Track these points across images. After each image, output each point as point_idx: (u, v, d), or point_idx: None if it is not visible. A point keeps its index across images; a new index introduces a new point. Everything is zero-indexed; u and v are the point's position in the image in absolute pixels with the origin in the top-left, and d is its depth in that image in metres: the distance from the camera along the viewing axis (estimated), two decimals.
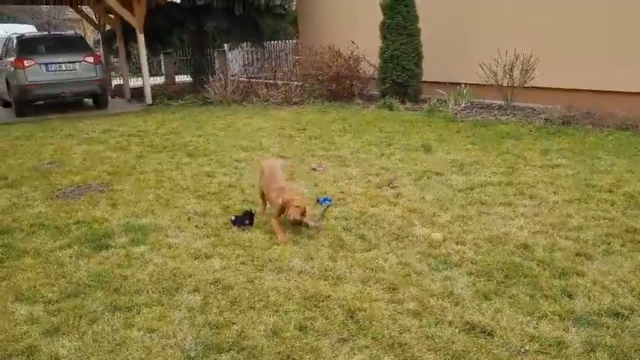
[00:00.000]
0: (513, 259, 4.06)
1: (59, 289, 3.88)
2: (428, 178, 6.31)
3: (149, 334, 3.26)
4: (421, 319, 3.32)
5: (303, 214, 4.70)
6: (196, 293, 3.76)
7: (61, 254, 4.53)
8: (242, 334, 3.22)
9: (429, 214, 5.11)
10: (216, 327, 3.31)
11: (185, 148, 8.51)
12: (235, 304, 3.58)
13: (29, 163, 7.92)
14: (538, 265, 3.96)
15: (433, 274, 3.90)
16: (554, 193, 5.54)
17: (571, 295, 3.53)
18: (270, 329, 3.25)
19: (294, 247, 4.47)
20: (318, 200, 5.62)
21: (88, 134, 10.24)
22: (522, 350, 2.97)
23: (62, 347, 3.16)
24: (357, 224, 4.94)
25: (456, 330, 3.19)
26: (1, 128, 11.60)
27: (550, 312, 3.33)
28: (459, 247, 4.35)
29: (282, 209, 4.74)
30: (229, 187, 6.30)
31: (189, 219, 5.26)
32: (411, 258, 4.18)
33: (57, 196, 6.23)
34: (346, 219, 5.08)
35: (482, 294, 3.57)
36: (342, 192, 5.93)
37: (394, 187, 6.03)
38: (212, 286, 3.83)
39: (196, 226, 5.06)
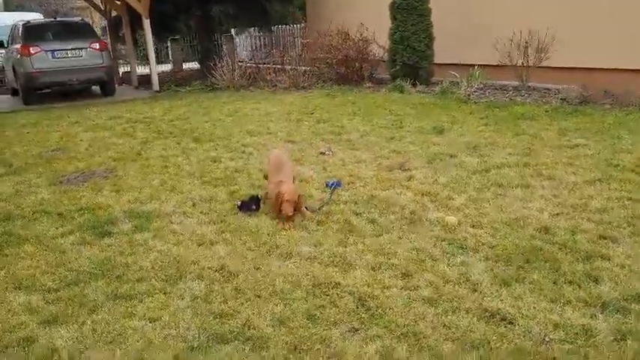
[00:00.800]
0: (533, 243, 3.86)
1: (59, 278, 3.74)
2: (441, 160, 6.09)
3: (151, 324, 3.11)
4: (437, 306, 3.14)
5: (296, 207, 4.48)
6: (200, 281, 3.60)
7: (62, 241, 4.39)
8: (247, 323, 3.05)
9: (442, 197, 4.90)
10: (221, 316, 3.15)
11: (191, 134, 8.34)
12: (240, 292, 3.41)
13: (34, 150, 7.79)
14: (560, 248, 3.75)
15: (448, 260, 3.71)
16: (574, 173, 5.31)
17: (597, 279, 3.32)
18: (277, 318, 3.08)
19: (302, 233, 4.29)
20: (327, 184, 5.43)
21: (94, 121, 10.11)
22: (546, 339, 2.78)
23: (60, 338, 3.02)
24: (367, 208, 4.75)
25: (474, 318, 3.00)
26: (8, 116, 11.50)
27: (575, 298, 3.13)
28: (475, 230, 4.15)
29: (278, 210, 4.49)
30: (236, 172, 6.13)
31: (194, 205, 5.10)
32: (424, 243, 3.99)
33: (61, 182, 6.09)
34: (356, 203, 4.90)
35: (502, 280, 3.38)
36: (352, 175, 5.74)
37: (406, 170, 5.83)
38: (217, 274, 3.67)
39: (201, 211, 4.89)
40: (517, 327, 2.90)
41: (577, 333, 2.82)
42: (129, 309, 3.28)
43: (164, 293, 3.45)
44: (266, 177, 5.03)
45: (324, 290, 3.37)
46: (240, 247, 4.07)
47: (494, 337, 2.82)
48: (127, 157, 7.11)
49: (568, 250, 3.73)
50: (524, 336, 2.82)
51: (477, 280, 3.40)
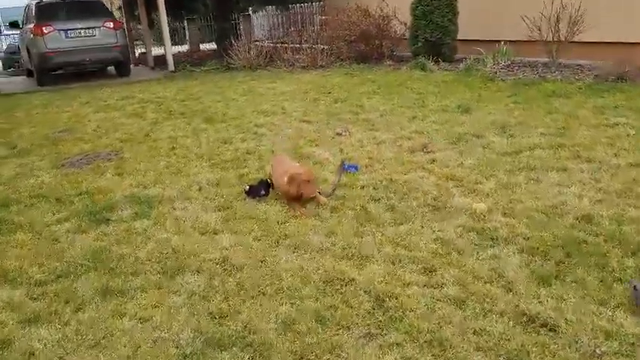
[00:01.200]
0: (574, 234, 3.42)
1: (48, 270, 3.43)
2: (466, 141, 5.63)
3: (141, 325, 2.78)
4: (465, 308, 2.74)
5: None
6: (200, 275, 3.25)
7: (57, 229, 4.08)
8: (248, 326, 2.69)
9: (469, 182, 4.46)
10: (219, 317, 2.79)
11: (203, 114, 7.98)
12: (243, 288, 3.05)
13: (41, 132, 7.52)
14: (605, 241, 3.31)
15: (478, 253, 3.29)
16: (616, 155, 4.81)
17: None
18: (282, 321, 2.72)
19: (313, 221, 3.91)
20: (343, 167, 5.03)
21: (105, 102, 9.81)
22: (597, 352, 2.36)
23: (39, 340, 2.70)
24: (386, 193, 4.34)
25: (510, 323, 2.59)
26: (20, 97, 11.30)
27: (627, 300, 2.70)
28: (507, 219, 3.72)
29: (298, 194, 4.12)
30: (247, 153, 5.76)
31: (200, 189, 4.75)
32: (450, 233, 3.57)
33: (63, 165, 5.80)
34: (374, 187, 4.49)
35: (540, 277, 2.95)
36: (370, 158, 5.32)
37: (429, 151, 5.39)
38: (218, 267, 3.32)
39: (207, 197, 4.54)
40: (561, 335, 2.49)
41: (632, 343, 2.40)
42: (119, 306, 2.95)
43: (159, 288, 3.11)
44: (271, 180, 4.64)
45: (336, 287, 2.99)
46: (246, 237, 3.71)
47: (534, 348, 2.41)
48: (135, 138, 6.79)
49: (615, 242, 3.28)
50: (569, 347, 2.41)
51: (511, 277, 2.98)
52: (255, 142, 6.18)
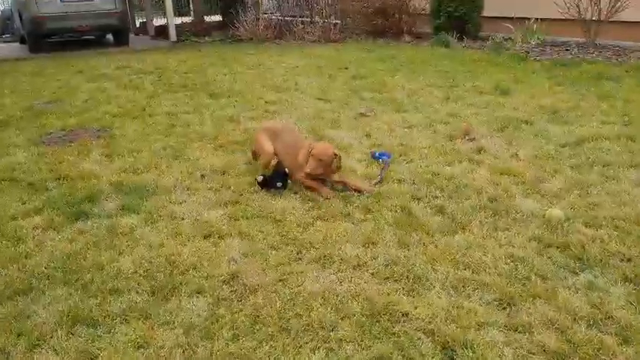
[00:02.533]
0: None
1: (4, 282, 2.65)
2: (515, 128, 4.81)
3: None
4: None
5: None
6: (201, 298, 2.46)
7: (23, 224, 3.28)
8: None
9: (530, 179, 3.66)
10: None
11: (207, 88, 7.13)
12: (259, 321, 2.27)
13: (25, 103, 6.67)
14: None
15: (567, 279, 2.50)
16: None
17: None
18: None
19: (345, 224, 3.12)
20: (372, 155, 4.23)
21: (100, 71, 8.92)
22: None
23: None
24: (430, 191, 3.55)
25: None
26: (8, 64, 10.40)
27: None
28: (593, 231, 2.92)
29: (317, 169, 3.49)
30: None
31: (202, 177, 3.95)
32: (522, 248, 2.78)
33: (43, 142, 4.98)
34: (414, 183, 3.69)
35: None
36: (403, 145, 4.51)
37: (472, 139, 4.57)
38: (225, 287, 2.53)
39: (210, 188, 3.74)
40: None
41: None
42: (88, 345, 2.17)
43: (145, 318, 2.33)
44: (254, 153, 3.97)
45: (385, 325, 2.21)
46: (260, 244, 2.92)
47: None
48: (129, 113, 5.95)
49: None
50: None
51: (621, 318, 2.20)
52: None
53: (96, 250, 2.92)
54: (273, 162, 3.79)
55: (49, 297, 2.51)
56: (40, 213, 3.42)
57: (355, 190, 3.52)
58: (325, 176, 3.59)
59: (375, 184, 3.66)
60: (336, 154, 3.53)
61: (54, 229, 3.19)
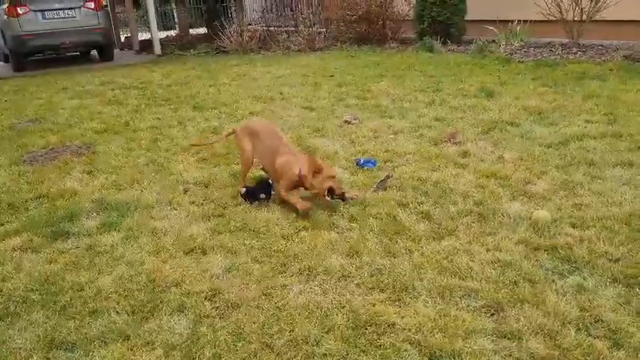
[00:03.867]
0: None
1: None
2: (500, 130, 4.79)
3: None
4: None
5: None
6: (182, 315, 2.40)
7: (1, 246, 3.21)
8: None
9: (517, 181, 3.63)
10: None
11: (191, 100, 7.08)
12: (241, 338, 2.21)
13: (6, 122, 6.59)
14: None
15: (555, 283, 2.46)
16: None
17: None
18: None
19: (330, 234, 3.07)
20: (357, 162, 4.19)
21: (83, 87, 8.86)
22: None
23: None
24: (416, 197, 3.51)
25: None
26: None
27: None
28: (580, 232, 2.89)
29: (298, 183, 3.39)
30: None
31: (185, 191, 3.89)
32: (510, 252, 2.74)
33: (25, 161, 4.90)
34: (400, 189, 3.65)
35: None
36: (388, 151, 4.48)
37: (457, 142, 4.55)
38: (207, 304, 2.47)
39: (193, 201, 3.68)
40: None
41: None
42: None
43: (125, 339, 2.26)
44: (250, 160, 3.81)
45: (370, 338, 2.16)
46: (243, 258, 2.86)
47: None
48: (112, 128, 5.88)
49: None
50: None
51: (612, 322, 2.16)
52: None
53: (75, 271, 2.85)
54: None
55: (26, 321, 2.43)
56: (19, 234, 3.34)
57: (339, 197, 3.42)
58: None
59: (375, 190, 3.59)
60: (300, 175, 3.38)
61: (33, 250, 3.11)
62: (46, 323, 2.40)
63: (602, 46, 8.88)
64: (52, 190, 4.05)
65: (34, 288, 2.70)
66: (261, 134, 3.68)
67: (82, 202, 3.79)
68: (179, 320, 2.36)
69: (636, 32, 7.99)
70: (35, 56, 12.77)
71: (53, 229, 3.35)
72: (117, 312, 2.45)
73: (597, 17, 8.65)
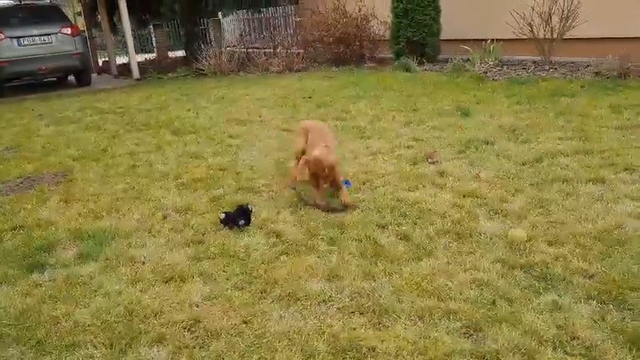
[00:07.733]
0: None
1: None
2: (476, 148, 4.87)
3: None
4: None
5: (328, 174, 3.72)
6: (161, 346, 2.38)
7: None
8: None
9: (493, 199, 3.69)
10: None
11: (170, 125, 7.07)
12: None
13: None
14: None
15: (532, 301, 2.50)
16: None
17: None
18: None
19: (310, 258, 3.07)
20: None
21: (60, 113, 8.79)
22: None
23: None
24: (394, 218, 3.54)
25: None
26: None
27: None
28: (555, 249, 2.94)
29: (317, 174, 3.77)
30: (220, 170, 4.89)
31: (164, 218, 3.87)
32: (487, 272, 2.78)
33: (0, 191, 4.83)
34: (379, 210, 3.68)
35: (628, 339, 2.17)
36: (367, 172, 4.52)
37: (434, 162, 4.61)
38: (187, 334, 2.45)
39: (173, 228, 3.66)
40: None
41: None
42: None
43: None
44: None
45: None
46: (223, 285, 2.85)
47: None
48: (89, 155, 5.84)
49: None
50: None
51: (588, 339, 2.19)
52: (230, 157, 5.31)
53: (51, 303, 2.80)
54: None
55: (1, 358, 2.38)
56: None
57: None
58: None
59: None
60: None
61: (8, 284, 3.06)
62: (21, 359, 2.36)
63: (573, 63, 9.12)
64: (27, 220, 4.00)
65: (9, 323, 2.65)
66: (312, 132, 4.19)
67: (58, 232, 3.74)
68: (158, 351, 2.34)
69: (605, 49, 8.20)
70: (12, 82, 12.65)
71: (29, 261, 3.30)
72: (94, 345, 2.42)
73: (567, 35, 8.90)
